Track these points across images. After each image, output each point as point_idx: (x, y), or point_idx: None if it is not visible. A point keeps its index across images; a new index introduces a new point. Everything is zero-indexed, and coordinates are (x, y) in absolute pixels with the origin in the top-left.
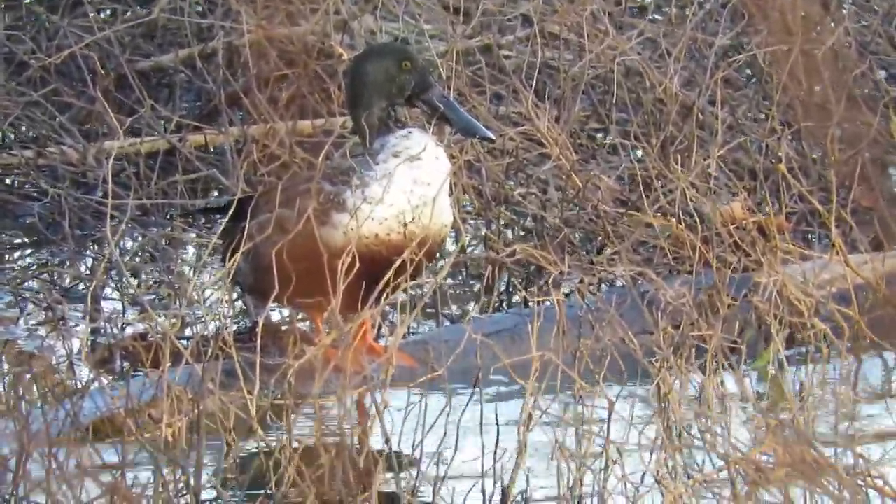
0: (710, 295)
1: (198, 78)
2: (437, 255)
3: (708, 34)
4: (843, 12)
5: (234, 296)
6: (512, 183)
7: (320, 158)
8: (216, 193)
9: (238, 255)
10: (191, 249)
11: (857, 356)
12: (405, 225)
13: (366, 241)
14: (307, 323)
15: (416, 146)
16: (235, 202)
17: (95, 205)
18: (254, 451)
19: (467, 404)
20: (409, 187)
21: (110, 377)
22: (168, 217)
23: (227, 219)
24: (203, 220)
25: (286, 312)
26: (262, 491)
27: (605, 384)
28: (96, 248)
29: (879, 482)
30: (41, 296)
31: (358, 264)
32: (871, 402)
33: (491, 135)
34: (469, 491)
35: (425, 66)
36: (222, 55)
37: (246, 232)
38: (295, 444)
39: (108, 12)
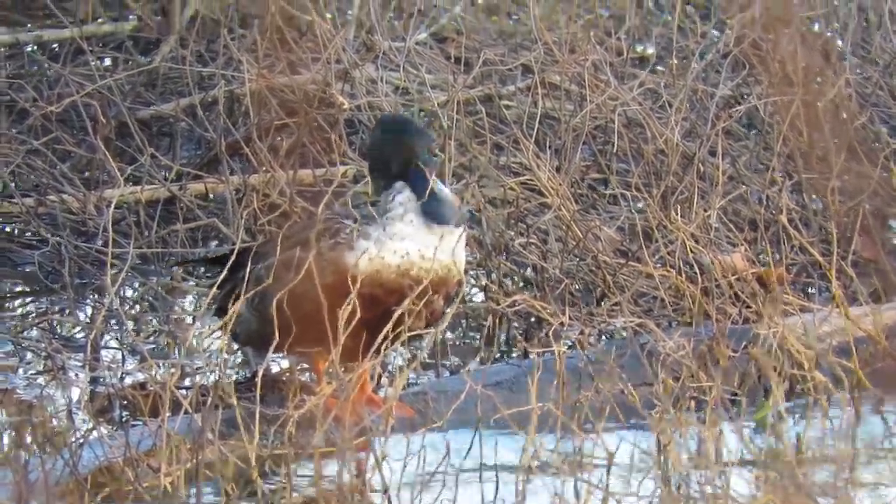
0: (710, 346)
1: (198, 126)
2: (452, 299)
3: (709, 85)
4: (843, 64)
5: (234, 347)
6: (512, 233)
7: (321, 207)
8: (216, 243)
9: (239, 304)
10: (190, 298)
11: (857, 409)
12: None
13: (388, 271)
14: (307, 373)
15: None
16: (234, 253)
17: (95, 253)
18: (253, 501)
19: (467, 454)
20: (428, 226)
21: (109, 426)
22: (168, 266)
23: (225, 269)
24: (203, 270)
25: (285, 364)
26: None
27: (605, 434)
28: (96, 296)
29: None
30: (41, 344)
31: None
32: (869, 460)
33: (451, 228)
34: None
35: (413, 147)
36: (223, 104)
37: (250, 276)
38: (295, 495)
39: (109, 61)
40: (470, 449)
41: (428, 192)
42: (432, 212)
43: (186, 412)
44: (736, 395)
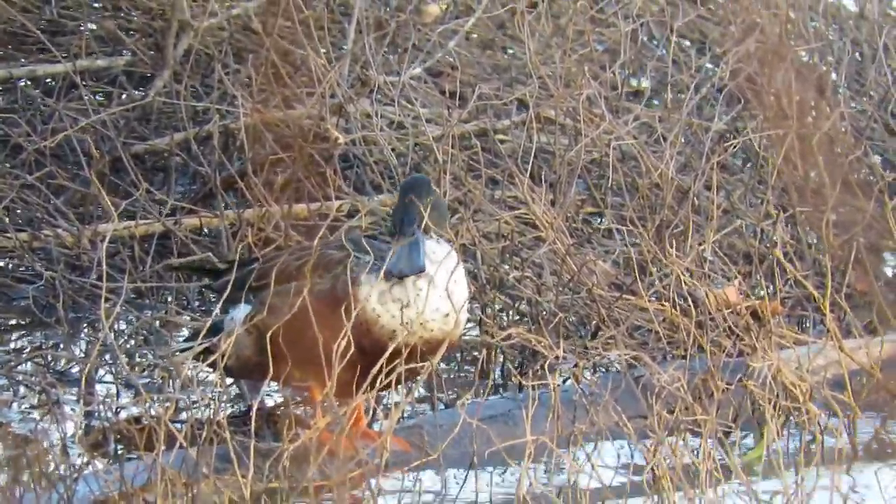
0: (704, 379)
1: (193, 161)
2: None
3: (704, 119)
4: (838, 97)
5: (229, 381)
6: (507, 267)
7: (315, 242)
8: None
9: (235, 335)
10: (185, 332)
11: (852, 442)
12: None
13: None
14: (301, 407)
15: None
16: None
17: (90, 287)
18: None
19: (461, 488)
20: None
21: (104, 461)
22: (163, 300)
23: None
24: (198, 303)
25: (280, 398)
26: None
27: (599, 467)
28: (90, 330)
29: None
30: (35, 379)
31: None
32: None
33: (409, 272)
34: None
35: (413, 209)
36: (218, 138)
37: (258, 299)
38: None
39: (103, 95)
40: (465, 482)
41: (383, 271)
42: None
43: (181, 446)
44: (730, 427)
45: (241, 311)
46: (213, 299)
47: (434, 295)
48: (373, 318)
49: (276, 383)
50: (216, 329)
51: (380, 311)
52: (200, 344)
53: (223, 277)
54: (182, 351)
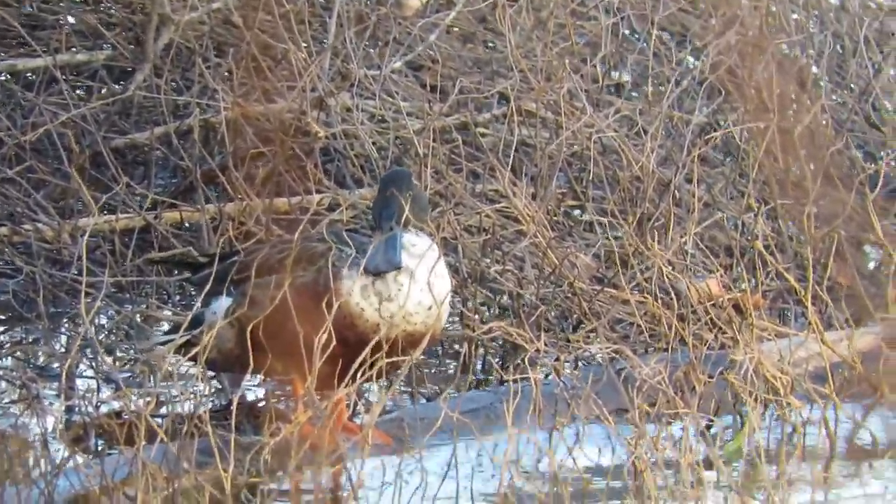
0: (686, 372)
1: (174, 155)
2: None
3: (684, 112)
4: (819, 90)
5: (210, 374)
6: (488, 260)
7: (296, 235)
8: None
9: (216, 328)
10: (166, 326)
11: (832, 434)
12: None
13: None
14: (282, 401)
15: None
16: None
17: (70, 282)
18: None
19: (443, 481)
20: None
21: (85, 455)
22: (143, 294)
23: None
24: (178, 297)
25: (261, 392)
26: None
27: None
28: (71, 325)
29: None
30: (15, 374)
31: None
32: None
33: (386, 268)
34: None
35: (392, 203)
36: (198, 132)
37: (240, 291)
38: None
39: (83, 90)
40: (446, 476)
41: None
42: (371, 265)
43: (162, 441)
44: (712, 421)
45: (223, 303)
46: (193, 293)
47: (416, 288)
48: (357, 312)
49: (257, 377)
50: (197, 322)
51: (363, 305)
52: (182, 337)
53: (203, 271)
54: (162, 344)
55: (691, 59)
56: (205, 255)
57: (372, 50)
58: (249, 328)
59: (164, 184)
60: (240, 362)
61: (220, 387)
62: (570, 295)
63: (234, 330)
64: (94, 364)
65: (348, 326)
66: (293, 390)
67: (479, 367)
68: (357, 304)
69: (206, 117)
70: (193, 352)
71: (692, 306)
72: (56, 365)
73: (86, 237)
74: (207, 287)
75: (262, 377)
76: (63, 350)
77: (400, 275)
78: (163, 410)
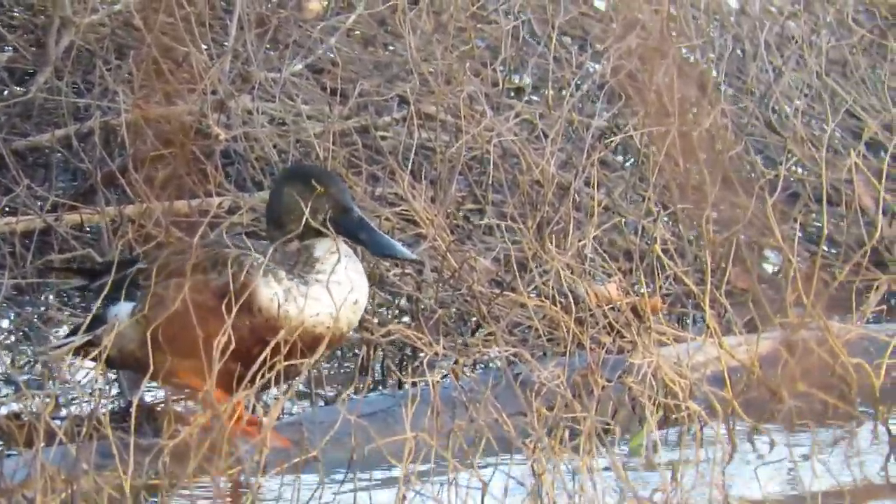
0: (584, 376)
1: (74, 157)
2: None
3: (585, 116)
4: (719, 94)
5: (111, 376)
6: (387, 263)
7: (195, 239)
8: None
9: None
10: (65, 328)
11: (731, 438)
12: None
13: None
14: (182, 403)
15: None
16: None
17: None
18: None
19: (341, 486)
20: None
21: None
22: (43, 296)
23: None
24: (78, 299)
25: (161, 395)
26: None
27: (480, 465)
28: None
29: None
30: None
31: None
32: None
33: (410, 255)
34: None
35: (343, 189)
36: (99, 135)
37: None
38: None
39: None
40: (344, 479)
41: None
42: (388, 249)
43: (61, 442)
44: (609, 424)
45: (123, 307)
46: (93, 296)
47: (344, 288)
48: (283, 315)
49: (156, 381)
50: (99, 323)
51: (288, 308)
52: (82, 338)
53: (102, 278)
54: (61, 346)
55: (592, 64)
56: (101, 262)
57: (272, 53)
58: (150, 330)
59: (64, 186)
60: (139, 363)
61: (119, 389)
62: (468, 298)
63: (136, 330)
64: None
65: (270, 329)
66: (195, 393)
67: (377, 370)
68: (281, 307)
69: (106, 119)
70: (94, 352)
71: (591, 310)
72: None
73: None
74: (105, 292)
75: (161, 380)
76: None
77: (319, 274)
78: (62, 412)
